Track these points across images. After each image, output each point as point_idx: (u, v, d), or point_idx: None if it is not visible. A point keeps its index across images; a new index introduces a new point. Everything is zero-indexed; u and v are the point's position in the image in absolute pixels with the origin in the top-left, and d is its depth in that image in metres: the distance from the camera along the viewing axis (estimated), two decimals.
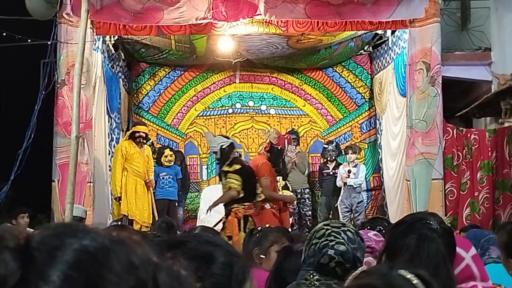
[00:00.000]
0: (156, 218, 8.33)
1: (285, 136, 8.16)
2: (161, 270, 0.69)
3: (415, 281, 1.21)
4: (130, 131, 8.65)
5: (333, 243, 2.21)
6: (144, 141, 8.47)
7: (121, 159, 8.19)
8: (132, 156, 8.25)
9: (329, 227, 2.28)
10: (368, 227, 3.82)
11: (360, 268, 1.36)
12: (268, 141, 7.76)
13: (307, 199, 10.05)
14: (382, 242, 2.92)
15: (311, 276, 2.23)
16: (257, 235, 3.63)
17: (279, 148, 7.54)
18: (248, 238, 3.75)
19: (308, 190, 10.08)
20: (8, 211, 8.35)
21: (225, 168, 6.81)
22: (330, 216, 9.50)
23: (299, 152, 10.28)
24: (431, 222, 2.07)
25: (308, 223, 9.94)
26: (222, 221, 6.89)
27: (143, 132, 8.41)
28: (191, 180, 10.59)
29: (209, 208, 7.19)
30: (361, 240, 2.29)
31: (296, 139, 10.28)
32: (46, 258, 0.63)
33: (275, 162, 7.50)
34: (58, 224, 0.68)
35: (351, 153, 9.48)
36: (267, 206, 7.11)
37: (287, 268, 2.67)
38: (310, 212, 10.01)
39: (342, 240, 2.21)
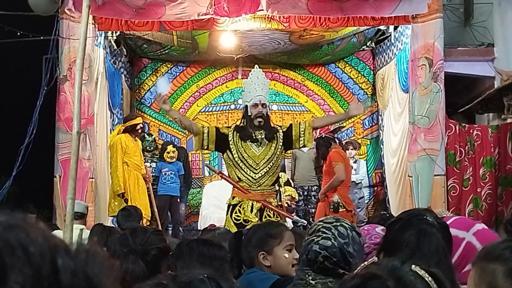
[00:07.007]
0: (156, 213, 8.33)
1: None
2: (61, 253, 0.68)
3: (428, 278, 1.19)
4: (129, 123, 8.36)
5: (319, 238, 2.24)
6: (142, 133, 8.41)
7: (121, 153, 8.02)
8: (131, 150, 8.12)
9: (321, 223, 2.31)
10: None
11: (371, 259, 1.33)
12: None
13: (313, 197, 9.96)
14: None
15: (306, 276, 2.25)
16: (253, 234, 3.03)
17: None
18: (235, 242, 3.15)
19: (316, 187, 9.97)
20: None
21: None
22: None
23: (312, 148, 10.19)
24: (427, 218, 2.08)
25: (311, 220, 9.90)
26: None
27: (141, 124, 8.35)
28: (193, 176, 10.58)
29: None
30: (357, 235, 2.29)
31: None
32: None
33: None
34: None
35: (351, 149, 9.43)
36: None
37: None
38: (314, 210, 9.95)
39: (329, 235, 2.24)
